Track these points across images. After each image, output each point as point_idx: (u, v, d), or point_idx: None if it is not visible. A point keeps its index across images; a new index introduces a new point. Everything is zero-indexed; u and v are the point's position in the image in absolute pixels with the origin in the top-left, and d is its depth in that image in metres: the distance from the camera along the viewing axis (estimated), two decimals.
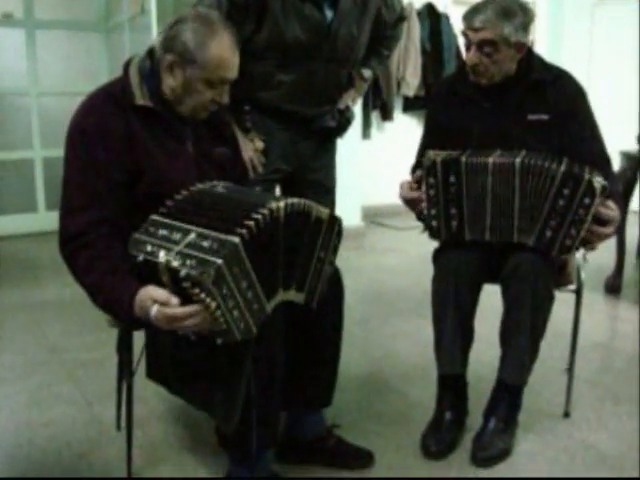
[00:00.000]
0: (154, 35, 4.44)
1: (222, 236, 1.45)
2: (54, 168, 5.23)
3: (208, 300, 1.41)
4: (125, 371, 1.94)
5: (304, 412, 1.98)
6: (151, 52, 1.79)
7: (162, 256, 1.45)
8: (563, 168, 1.92)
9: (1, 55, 5.43)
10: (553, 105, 2.10)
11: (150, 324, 1.53)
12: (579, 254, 2.20)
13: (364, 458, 2.02)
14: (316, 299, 1.75)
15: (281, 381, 1.72)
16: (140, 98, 1.73)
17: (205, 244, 1.45)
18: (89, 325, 3.17)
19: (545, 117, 2.10)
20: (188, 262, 1.42)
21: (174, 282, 1.46)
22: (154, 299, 1.49)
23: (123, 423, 2.11)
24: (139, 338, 1.87)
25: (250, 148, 2.37)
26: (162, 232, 1.53)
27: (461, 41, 6.57)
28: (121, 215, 1.69)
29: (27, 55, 5.36)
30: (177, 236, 1.50)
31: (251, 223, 1.46)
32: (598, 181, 1.88)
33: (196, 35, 1.68)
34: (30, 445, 2.14)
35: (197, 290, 1.41)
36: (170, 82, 1.73)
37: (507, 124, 2.12)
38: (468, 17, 2.03)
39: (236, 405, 1.60)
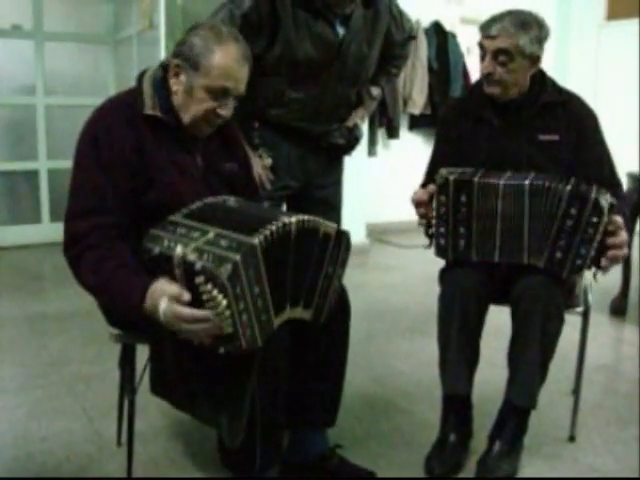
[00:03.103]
0: (162, 49, 4.46)
1: (241, 237, 1.46)
2: (59, 180, 5.24)
3: (220, 297, 1.40)
4: (127, 386, 1.93)
5: (307, 431, 1.95)
6: (164, 64, 1.80)
7: (179, 250, 1.46)
8: (569, 188, 1.92)
9: (9, 66, 5.45)
10: (564, 126, 2.11)
11: (156, 322, 1.51)
12: (588, 274, 2.18)
13: (367, 478, 1.99)
14: (324, 315, 1.74)
15: (285, 399, 1.71)
16: (150, 108, 1.73)
17: (223, 243, 1.46)
18: (91, 338, 3.15)
19: (556, 137, 2.11)
20: (205, 257, 1.43)
21: (188, 277, 1.45)
22: (165, 292, 1.48)
23: (124, 438, 2.09)
24: (142, 353, 1.86)
25: (259, 164, 2.37)
26: (180, 230, 1.55)
27: (468, 60, 6.51)
28: (127, 223, 1.69)
29: (35, 67, 5.37)
30: (195, 234, 1.51)
31: (267, 232, 1.48)
32: (605, 199, 1.88)
33: (204, 42, 1.69)
34: (29, 459, 2.12)
35: (210, 286, 1.41)
36: (175, 87, 1.74)
37: (517, 143, 2.12)
38: (485, 26, 2.06)
39: (241, 421, 1.58)
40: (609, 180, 2.12)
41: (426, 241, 2.13)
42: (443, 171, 2.04)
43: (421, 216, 2.11)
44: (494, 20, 2.05)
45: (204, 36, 1.70)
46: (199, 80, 1.70)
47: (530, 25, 2.03)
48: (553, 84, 2.18)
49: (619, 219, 1.91)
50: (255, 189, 2.11)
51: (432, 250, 2.09)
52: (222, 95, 1.72)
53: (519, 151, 2.11)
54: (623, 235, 1.91)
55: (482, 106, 2.17)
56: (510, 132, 2.14)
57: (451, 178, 2.00)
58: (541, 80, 2.15)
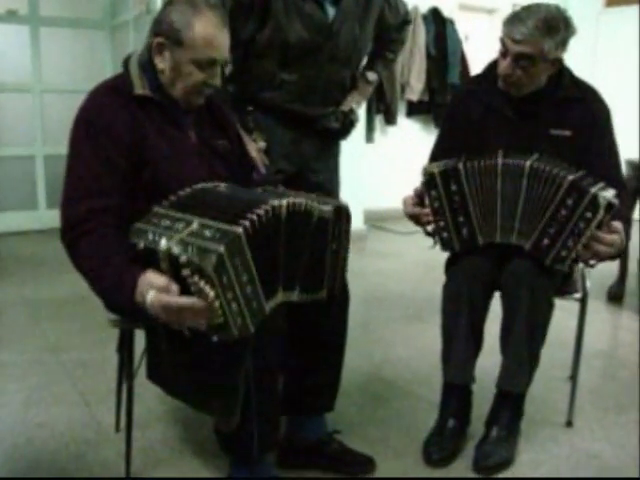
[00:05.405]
0: None
1: (225, 226, 1.44)
2: (56, 166, 5.21)
3: (207, 289, 1.39)
4: (125, 372, 1.92)
5: (306, 416, 1.96)
6: (149, 45, 1.79)
7: (163, 243, 1.44)
8: (571, 177, 1.88)
9: (5, 52, 5.42)
10: (577, 122, 2.07)
11: (148, 313, 1.50)
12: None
13: (365, 464, 2.00)
14: (337, 288, 1.78)
15: (281, 383, 1.71)
16: (140, 88, 1.74)
17: (207, 233, 1.43)
18: (89, 325, 3.15)
19: (568, 133, 2.06)
20: (189, 249, 1.41)
21: (174, 270, 1.43)
22: (152, 285, 1.46)
23: (122, 424, 2.10)
24: (140, 339, 1.86)
25: (253, 148, 2.35)
26: (164, 222, 1.52)
27: (466, 46, 6.48)
28: (124, 204, 1.68)
29: (31, 52, 5.34)
30: (179, 226, 1.49)
31: (253, 216, 1.46)
32: (605, 197, 1.82)
33: (181, 16, 1.69)
34: (27, 445, 2.12)
35: (196, 278, 1.39)
36: (160, 65, 1.74)
37: (527, 136, 2.08)
38: (509, 26, 1.96)
39: (235, 403, 1.58)
40: (614, 179, 2.04)
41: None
42: (427, 167, 2.04)
43: (418, 224, 2.11)
44: (520, 20, 1.93)
45: (180, 10, 1.70)
46: (184, 55, 1.70)
47: (557, 28, 1.92)
48: (571, 76, 2.11)
49: (619, 225, 1.87)
50: (250, 166, 2.10)
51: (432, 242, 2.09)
52: (209, 65, 1.73)
53: (528, 144, 2.05)
54: (615, 237, 1.86)
55: (495, 95, 2.11)
56: (521, 124, 2.09)
57: (436, 171, 2.00)
58: (558, 74, 2.07)
